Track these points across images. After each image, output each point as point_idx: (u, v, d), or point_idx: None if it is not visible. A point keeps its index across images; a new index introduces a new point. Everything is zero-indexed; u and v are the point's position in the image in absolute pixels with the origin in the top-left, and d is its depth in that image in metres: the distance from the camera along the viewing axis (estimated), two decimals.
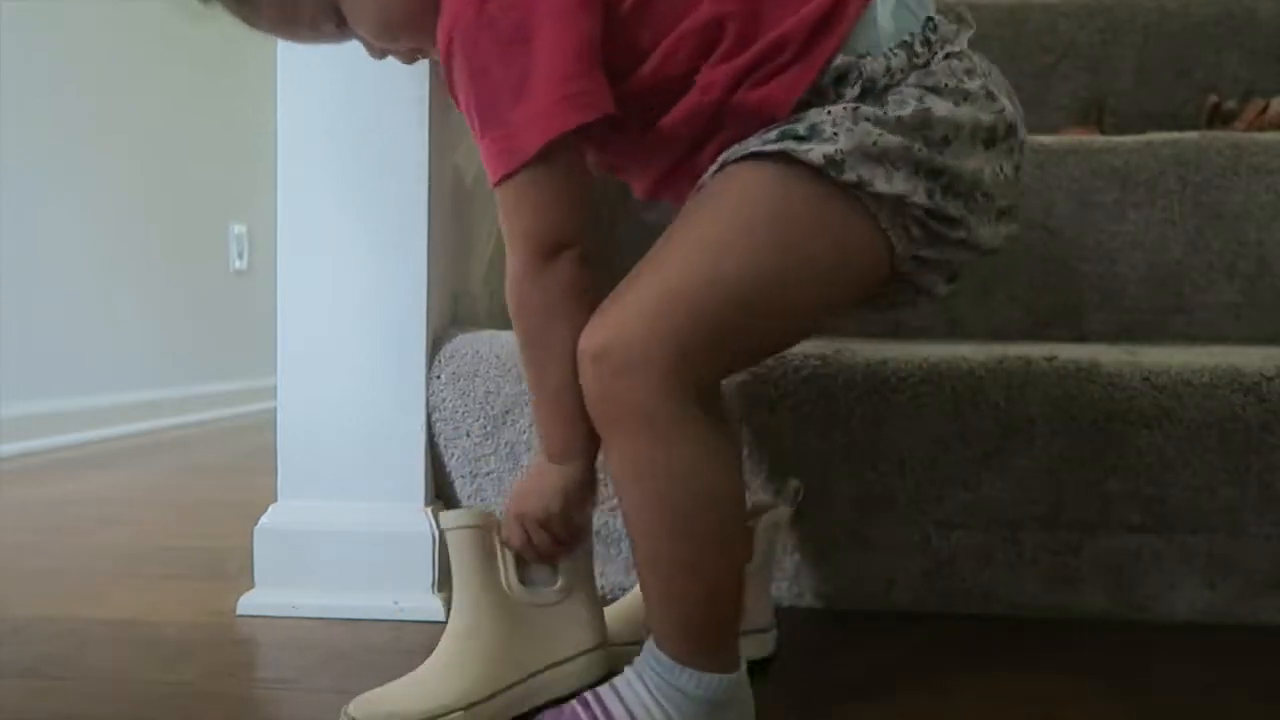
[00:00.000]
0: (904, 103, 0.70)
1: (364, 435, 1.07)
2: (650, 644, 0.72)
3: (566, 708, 0.72)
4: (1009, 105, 0.75)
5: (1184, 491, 1.03)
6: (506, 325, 1.01)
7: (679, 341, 0.67)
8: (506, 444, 1.09)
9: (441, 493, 1.11)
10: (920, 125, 0.70)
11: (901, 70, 0.71)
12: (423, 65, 1.04)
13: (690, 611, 0.70)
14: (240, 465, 2.13)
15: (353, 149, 1.06)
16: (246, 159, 2.94)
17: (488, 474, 1.10)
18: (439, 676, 0.76)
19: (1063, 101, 1.68)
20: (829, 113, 0.70)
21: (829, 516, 1.06)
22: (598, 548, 1.08)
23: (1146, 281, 1.29)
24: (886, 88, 0.71)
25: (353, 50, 1.05)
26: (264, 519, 1.08)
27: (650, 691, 0.70)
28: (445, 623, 1.01)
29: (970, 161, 0.72)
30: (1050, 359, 1.05)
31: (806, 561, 1.07)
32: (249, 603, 1.06)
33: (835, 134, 0.69)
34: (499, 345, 1.09)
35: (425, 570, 1.05)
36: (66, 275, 2.40)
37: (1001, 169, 0.74)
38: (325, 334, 1.07)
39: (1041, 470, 1.04)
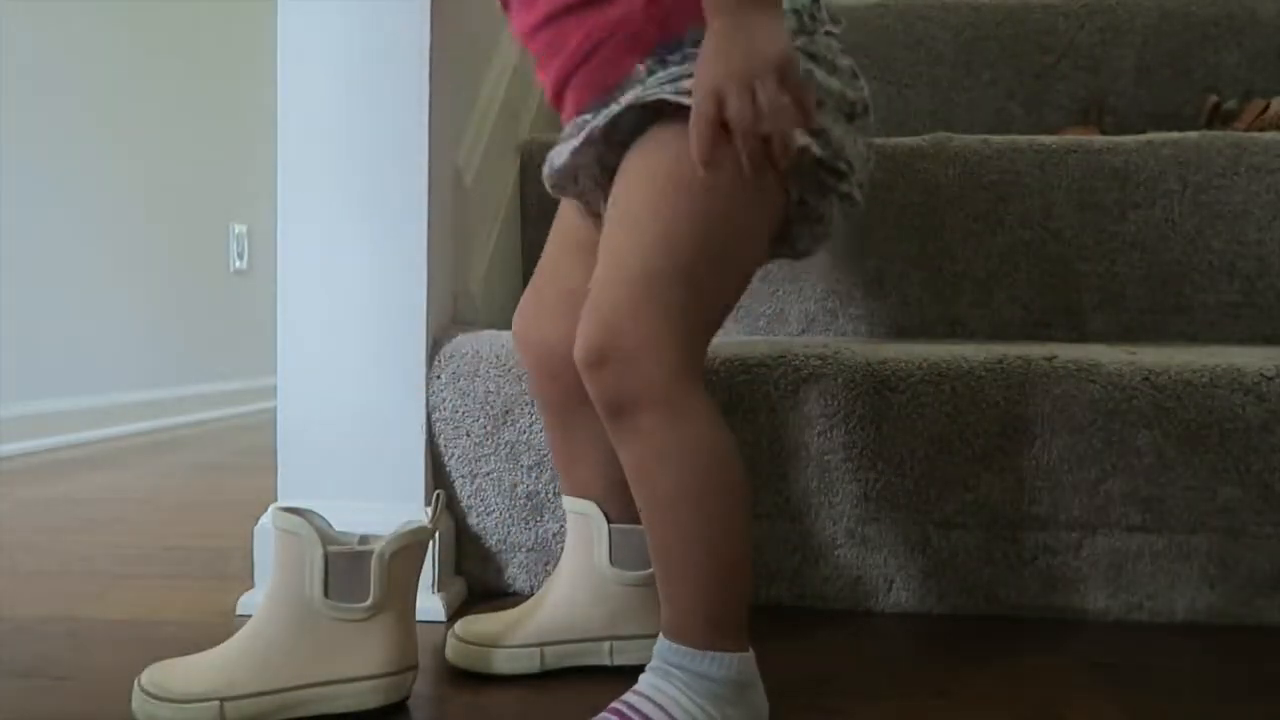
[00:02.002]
0: None
1: (364, 435, 1.07)
2: (665, 644, 0.72)
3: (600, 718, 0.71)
4: (866, 88, 0.81)
5: (1184, 491, 1.03)
6: (506, 325, 1.01)
7: (669, 319, 0.70)
8: (506, 444, 1.09)
9: None
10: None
11: (791, 33, 0.74)
12: (423, 64, 1.05)
13: (714, 592, 0.71)
14: (240, 465, 2.13)
15: (353, 149, 1.06)
16: (246, 159, 2.95)
17: (488, 474, 1.10)
18: (216, 664, 0.78)
19: (1063, 101, 1.68)
20: None
21: (829, 516, 1.06)
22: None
23: (1146, 281, 1.30)
24: None
25: (353, 50, 1.06)
26: (264, 519, 1.08)
27: (681, 690, 0.70)
28: (445, 622, 1.02)
29: (835, 129, 0.77)
30: (1050, 359, 1.05)
31: (807, 561, 1.07)
32: (249, 603, 1.06)
33: None
34: (499, 345, 1.09)
35: (425, 570, 1.04)
36: (66, 275, 2.40)
37: (856, 143, 0.80)
38: (325, 334, 1.07)
39: (1041, 470, 1.04)
